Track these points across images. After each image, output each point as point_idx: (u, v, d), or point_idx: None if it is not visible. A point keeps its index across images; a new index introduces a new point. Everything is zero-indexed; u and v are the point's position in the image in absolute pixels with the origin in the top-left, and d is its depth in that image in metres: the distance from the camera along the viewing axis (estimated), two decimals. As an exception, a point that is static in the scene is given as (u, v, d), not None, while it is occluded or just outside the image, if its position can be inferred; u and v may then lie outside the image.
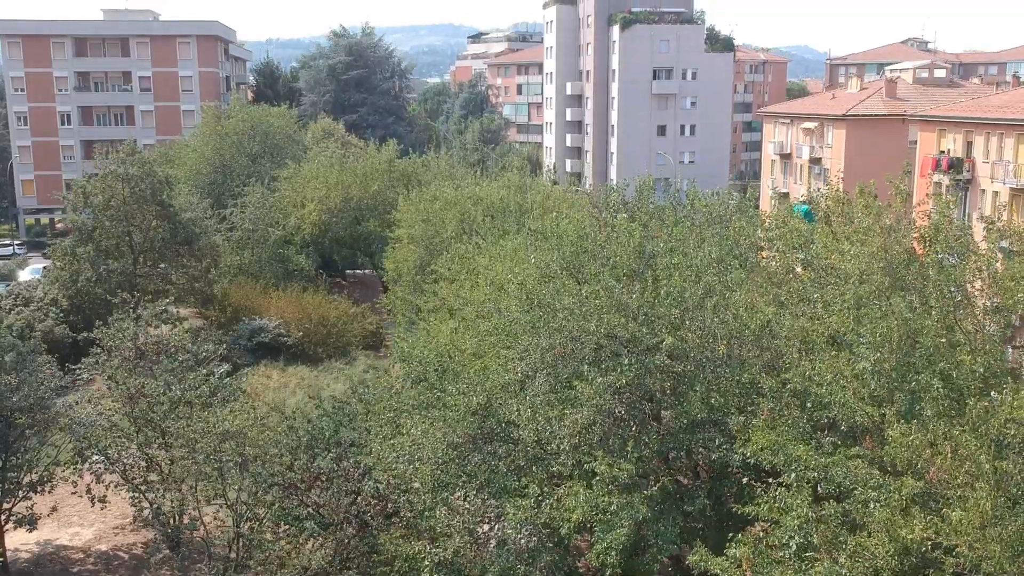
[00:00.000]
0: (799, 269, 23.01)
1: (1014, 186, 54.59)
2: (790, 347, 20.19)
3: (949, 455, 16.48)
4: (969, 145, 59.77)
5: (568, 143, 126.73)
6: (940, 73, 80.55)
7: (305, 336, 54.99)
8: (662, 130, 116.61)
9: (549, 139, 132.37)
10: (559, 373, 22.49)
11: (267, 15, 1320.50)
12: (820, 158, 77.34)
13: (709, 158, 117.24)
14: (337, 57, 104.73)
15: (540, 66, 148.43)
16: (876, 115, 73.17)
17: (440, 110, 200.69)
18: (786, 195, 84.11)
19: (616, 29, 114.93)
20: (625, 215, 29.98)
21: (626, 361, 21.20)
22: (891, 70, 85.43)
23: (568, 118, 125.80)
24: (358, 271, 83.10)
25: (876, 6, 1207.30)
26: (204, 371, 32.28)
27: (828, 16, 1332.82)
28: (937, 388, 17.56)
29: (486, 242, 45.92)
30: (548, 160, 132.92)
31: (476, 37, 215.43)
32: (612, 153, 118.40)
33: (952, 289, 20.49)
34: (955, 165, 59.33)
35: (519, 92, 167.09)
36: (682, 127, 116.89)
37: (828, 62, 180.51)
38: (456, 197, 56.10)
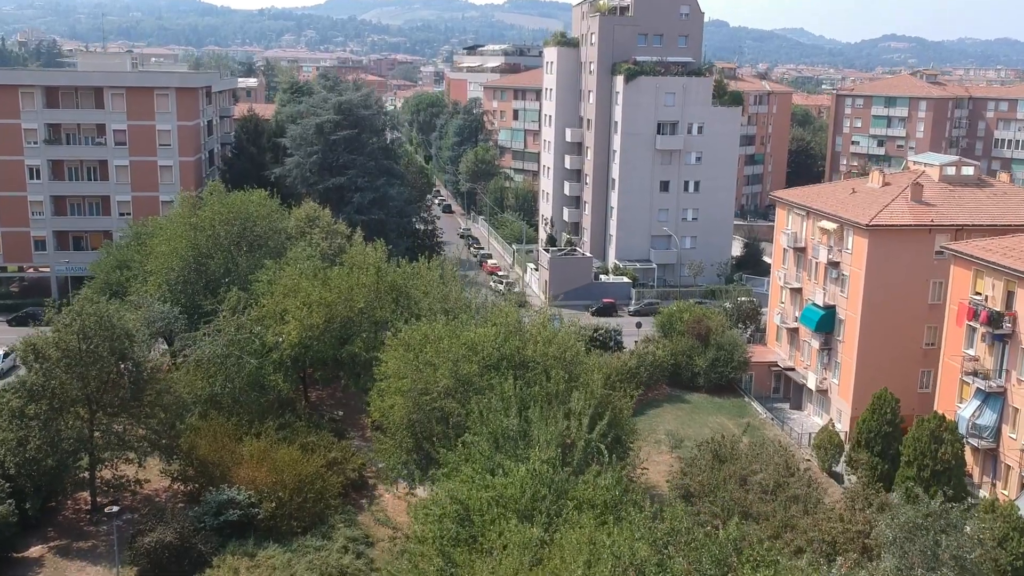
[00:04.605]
0: None
1: (1063, 360, 49.72)
2: None
3: None
4: (1010, 296, 54.70)
5: (566, 191, 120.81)
6: (968, 170, 75.27)
7: (278, 507, 49.73)
8: (665, 186, 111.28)
9: (547, 184, 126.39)
10: None
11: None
12: (839, 262, 72.26)
13: (713, 215, 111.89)
14: (326, 115, 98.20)
15: (537, 92, 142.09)
16: (902, 225, 68.11)
17: (433, 124, 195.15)
18: (799, 290, 79.22)
19: (620, 80, 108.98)
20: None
21: None
22: (914, 161, 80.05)
23: (567, 166, 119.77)
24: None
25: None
26: None
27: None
28: None
29: (482, 436, 41.25)
30: (545, 207, 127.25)
31: (472, 49, 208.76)
32: (612, 207, 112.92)
33: None
34: (994, 320, 54.29)
35: (515, 117, 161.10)
36: (686, 183, 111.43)
37: (835, 92, 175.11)
38: (448, 344, 51.06)
